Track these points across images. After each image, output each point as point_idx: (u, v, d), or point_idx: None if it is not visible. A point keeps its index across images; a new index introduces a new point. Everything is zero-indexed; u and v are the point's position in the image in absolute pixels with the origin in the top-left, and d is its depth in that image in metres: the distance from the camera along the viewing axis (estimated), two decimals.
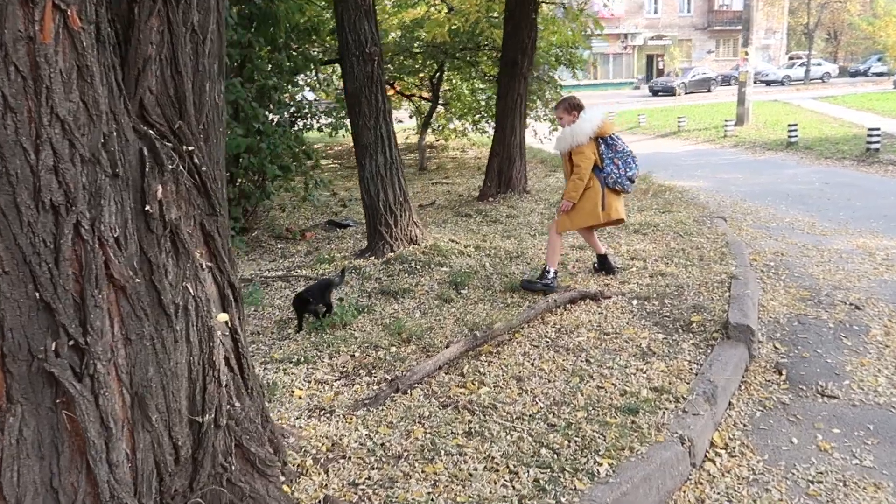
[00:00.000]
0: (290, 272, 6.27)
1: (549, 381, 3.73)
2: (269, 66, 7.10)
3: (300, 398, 3.71)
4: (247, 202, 7.13)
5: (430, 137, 16.38)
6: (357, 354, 4.30)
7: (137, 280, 1.98)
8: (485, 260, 6.20)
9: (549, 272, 5.22)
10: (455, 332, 4.58)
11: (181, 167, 2.21)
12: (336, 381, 3.95)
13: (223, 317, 2.35)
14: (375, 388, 3.81)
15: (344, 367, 4.13)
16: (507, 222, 7.93)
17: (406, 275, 5.84)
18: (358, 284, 5.74)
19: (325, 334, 4.66)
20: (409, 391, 3.64)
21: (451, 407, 3.46)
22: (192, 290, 2.20)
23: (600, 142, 5.18)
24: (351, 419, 3.36)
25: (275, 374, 4.05)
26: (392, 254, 6.22)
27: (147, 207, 2.04)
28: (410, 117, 16.18)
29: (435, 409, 3.42)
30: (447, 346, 4.16)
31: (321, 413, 3.46)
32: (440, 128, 15.23)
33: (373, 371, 4.04)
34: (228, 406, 2.30)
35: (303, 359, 4.23)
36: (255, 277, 6.16)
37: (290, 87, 7.21)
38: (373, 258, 6.28)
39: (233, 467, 2.26)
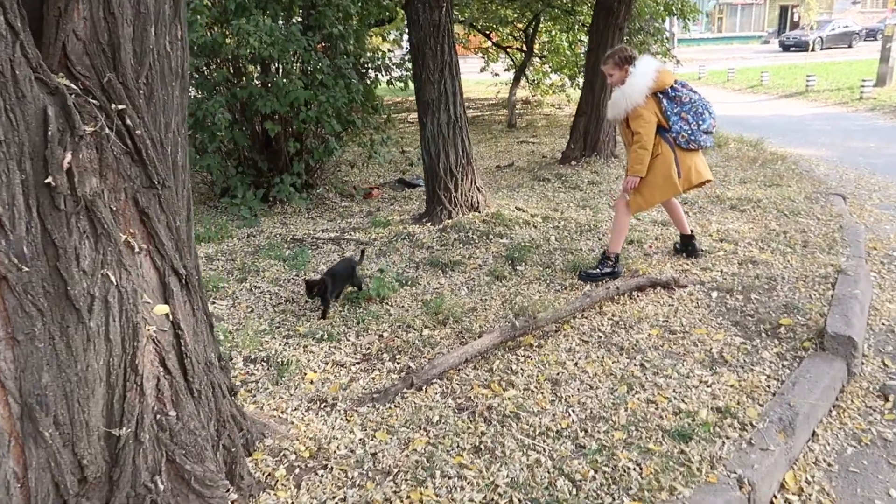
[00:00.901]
0: (343, 234, 5.95)
1: (591, 388, 3.19)
2: (339, 12, 6.68)
3: (311, 382, 3.38)
4: (310, 158, 6.84)
5: (524, 92, 15.60)
6: (386, 335, 3.91)
7: (26, 269, 1.63)
8: (551, 233, 5.62)
9: (610, 258, 4.58)
10: (499, 316, 4.09)
11: (107, 130, 1.83)
12: (355, 364, 3.59)
13: (161, 309, 1.99)
14: (395, 376, 3.42)
15: (368, 348, 3.76)
16: (587, 190, 7.24)
17: (460, 245, 5.37)
18: (408, 253, 5.34)
19: (359, 308, 4.30)
20: (425, 387, 3.22)
21: (467, 412, 3.00)
22: (113, 279, 1.84)
23: (660, 97, 4.33)
24: (351, 416, 2.98)
25: (294, 350, 3.74)
26: (449, 221, 5.76)
27: (49, 180, 1.68)
28: (506, 70, 15.40)
29: (447, 413, 2.98)
30: (479, 336, 3.69)
31: (322, 406, 3.10)
32: (536, 82, 14.40)
33: (397, 356, 3.64)
34: (159, 416, 1.95)
35: (327, 335, 3.90)
36: (306, 238, 5.89)
37: (357, 36, 6.77)
38: (429, 224, 5.84)
39: (161, 486, 1.92)
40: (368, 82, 7.17)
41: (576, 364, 3.43)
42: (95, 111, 1.82)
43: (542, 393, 3.16)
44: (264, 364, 3.60)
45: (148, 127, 1.93)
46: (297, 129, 6.58)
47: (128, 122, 1.87)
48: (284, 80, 6.07)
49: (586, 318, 3.97)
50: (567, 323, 3.90)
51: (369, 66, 7.40)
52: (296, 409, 3.07)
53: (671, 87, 4.31)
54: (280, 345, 3.83)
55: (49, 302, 1.71)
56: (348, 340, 3.87)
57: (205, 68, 6.28)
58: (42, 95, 1.70)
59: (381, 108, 7.45)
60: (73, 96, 1.79)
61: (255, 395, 3.24)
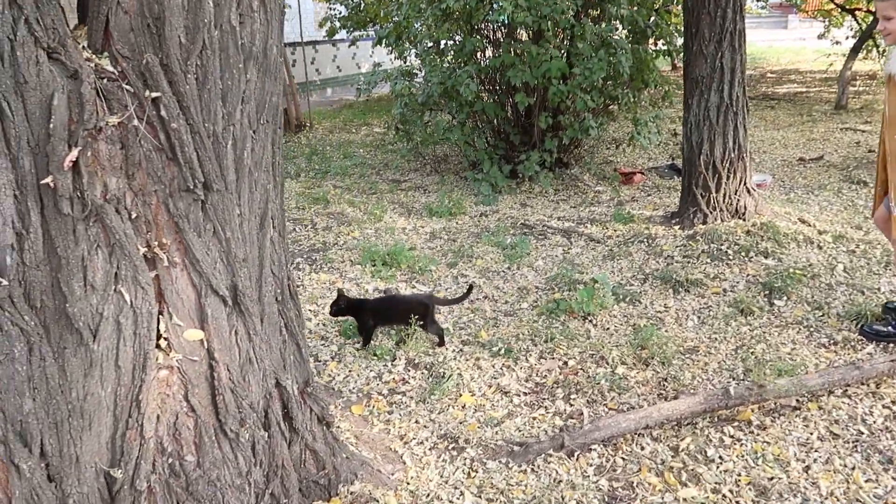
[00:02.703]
0: (577, 226, 5.29)
1: None
2: None
3: (462, 408, 2.92)
4: (564, 134, 6.23)
5: (870, 65, 12.70)
6: (572, 363, 3.26)
7: (5, 282, 1.43)
8: (840, 259, 4.26)
9: None
10: (723, 367, 3.16)
11: (135, 122, 1.54)
12: (523, 395, 3.03)
13: (194, 334, 1.68)
14: (560, 422, 2.80)
15: (545, 376, 3.17)
16: None
17: (707, 260, 4.35)
18: (640, 260, 4.49)
19: (555, 321, 3.69)
20: (579, 453, 2.54)
21: None
22: (128, 298, 1.57)
23: None
24: (475, 471, 2.46)
25: (464, 360, 3.31)
26: (702, 227, 4.72)
27: (48, 180, 1.44)
28: (849, 38, 12.65)
29: (590, 501, 2.28)
30: (675, 397, 2.84)
31: (450, 446, 2.63)
32: (884, 52, 11.53)
33: (573, 396, 3.00)
34: (172, 460, 1.67)
35: (507, 349, 3.39)
36: (537, 225, 5.37)
37: None
38: (677, 227, 4.87)
39: None
40: (644, 49, 6.24)
41: (806, 469, 2.42)
42: (127, 99, 1.54)
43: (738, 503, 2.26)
44: (424, 372, 3.24)
45: (192, 118, 1.60)
46: (551, 103, 6.01)
47: (162, 112, 1.56)
48: (539, 50, 5.52)
49: (848, 398, 2.83)
50: (816, 400, 2.82)
51: (649, 33, 6.44)
52: (421, 444, 2.64)
53: None
54: (453, 351, 3.43)
55: (46, 318, 1.50)
56: (527, 361, 3.31)
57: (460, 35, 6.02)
58: (56, 80, 1.45)
59: (657, 81, 6.47)
60: (104, 81, 1.52)
61: (391, 413, 2.89)
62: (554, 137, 6.26)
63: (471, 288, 3.73)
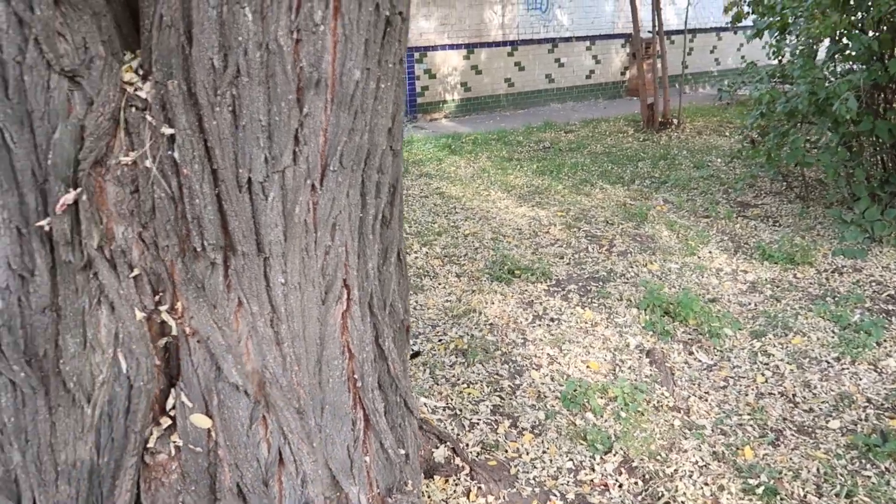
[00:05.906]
0: None
1: None
2: None
3: None
4: None
5: None
6: None
7: None
8: None
9: None
10: None
11: (148, 161, 1.28)
12: None
13: (199, 420, 1.38)
14: None
15: None
16: None
17: None
18: None
19: (870, 464, 2.50)
20: None
21: None
22: (124, 366, 1.34)
23: None
24: None
25: (701, 486, 2.45)
26: None
27: (43, 222, 1.27)
28: None
29: None
30: None
31: None
32: None
33: None
34: None
35: (769, 489, 2.41)
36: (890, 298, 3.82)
37: None
38: None
39: None
40: None
41: None
42: (146, 134, 1.28)
43: None
44: (637, 483, 2.47)
45: (218, 162, 1.27)
46: None
47: (176, 153, 1.26)
48: None
49: None
50: None
51: None
52: None
53: None
54: (694, 463, 2.56)
55: (49, 370, 1.35)
56: None
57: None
58: (74, 108, 1.25)
59: None
60: (132, 111, 1.29)
61: None
62: None
63: (417, 354, 2.71)
